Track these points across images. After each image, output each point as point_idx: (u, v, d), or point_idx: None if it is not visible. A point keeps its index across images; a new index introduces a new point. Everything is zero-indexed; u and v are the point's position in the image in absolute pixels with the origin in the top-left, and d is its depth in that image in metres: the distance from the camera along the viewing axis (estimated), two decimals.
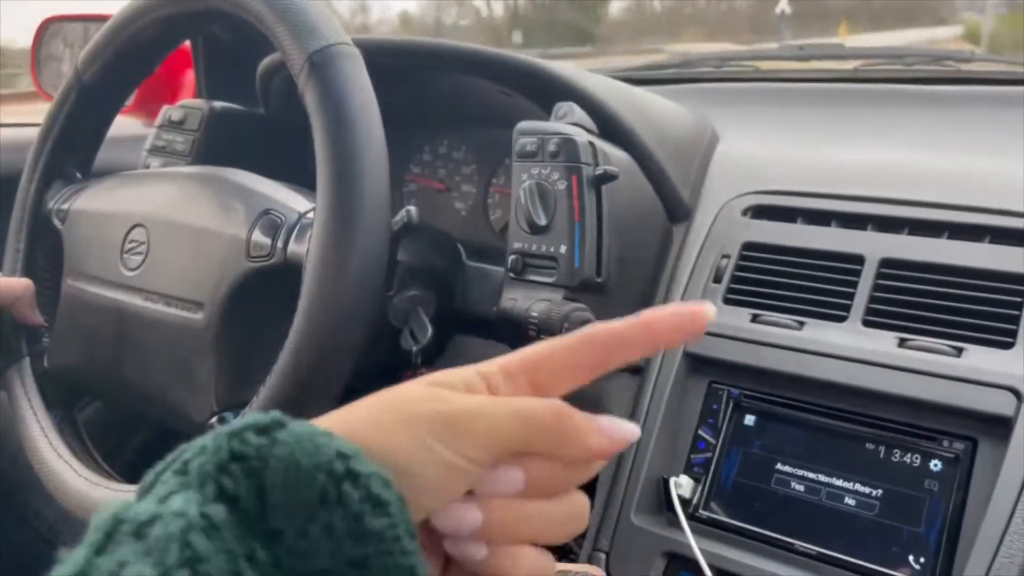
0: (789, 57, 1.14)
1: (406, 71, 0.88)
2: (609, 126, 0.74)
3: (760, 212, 0.77)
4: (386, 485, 0.27)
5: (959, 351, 0.63)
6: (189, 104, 0.91)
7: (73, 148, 0.73)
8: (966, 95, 0.93)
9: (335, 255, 0.48)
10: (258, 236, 0.57)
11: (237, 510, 0.26)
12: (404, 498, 0.27)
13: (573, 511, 0.31)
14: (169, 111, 0.91)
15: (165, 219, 0.64)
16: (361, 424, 0.29)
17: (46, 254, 0.72)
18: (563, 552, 0.92)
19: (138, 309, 0.62)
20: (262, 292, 0.58)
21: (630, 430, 0.31)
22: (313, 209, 0.54)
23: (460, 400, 0.29)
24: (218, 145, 0.89)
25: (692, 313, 0.32)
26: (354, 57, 0.54)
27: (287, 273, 0.54)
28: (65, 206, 0.71)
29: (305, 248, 0.53)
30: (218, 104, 0.91)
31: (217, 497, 0.26)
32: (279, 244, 0.56)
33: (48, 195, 0.73)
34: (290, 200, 0.59)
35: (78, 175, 0.74)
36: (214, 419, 0.56)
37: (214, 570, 0.24)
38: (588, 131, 0.71)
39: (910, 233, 0.70)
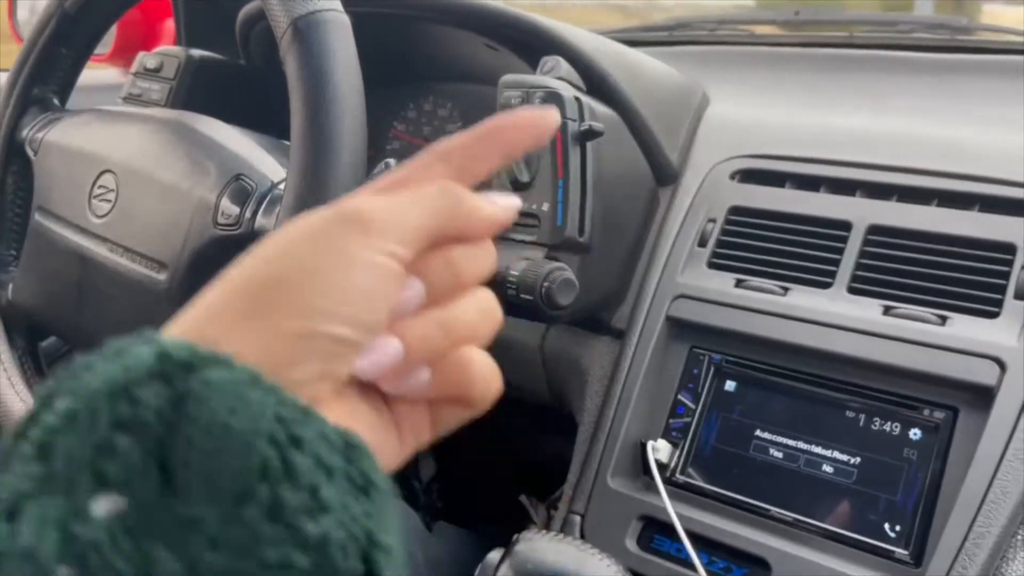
0: (784, 22, 1.11)
1: (392, 23, 0.86)
2: (597, 83, 0.72)
3: (748, 176, 0.76)
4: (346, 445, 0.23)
5: (944, 320, 0.62)
6: (166, 51, 0.88)
7: (51, 74, 0.72)
8: (961, 63, 0.91)
9: None
10: (227, 203, 0.55)
11: (129, 502, 0.19)
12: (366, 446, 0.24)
13: (484, 305, 0.30)
14: (145, 58, 0.88)
15: (136, 169, 0.62)
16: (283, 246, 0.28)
17: (17, 182, 0.71)
18: (518, 515, 0.92)
19: (102, 259, 0.60)
20: (227, 261, 0.56)
21: (512, 200, 0.31)
22: (285, 180, 0.53)
23: (359, 200, 0.28)
24: (195, 94, 0.86)
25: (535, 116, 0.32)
26: (341, 25, 0.51)
27: (254, 245, 0.53)
28: (39, 135, 0.69)
29: (273, 223, 0.51)
30: (196, 52, 0.88)
31: (94, 490, 0.19)
32: (247, 215, 0.54)
33: (23, 121, 0.71)
34: (264, 165, 0.57)
35: (55, 102, 0.72)
36: None
37: None
38: (575, 87, 0.69)
39: (899, 200, 0.69)
